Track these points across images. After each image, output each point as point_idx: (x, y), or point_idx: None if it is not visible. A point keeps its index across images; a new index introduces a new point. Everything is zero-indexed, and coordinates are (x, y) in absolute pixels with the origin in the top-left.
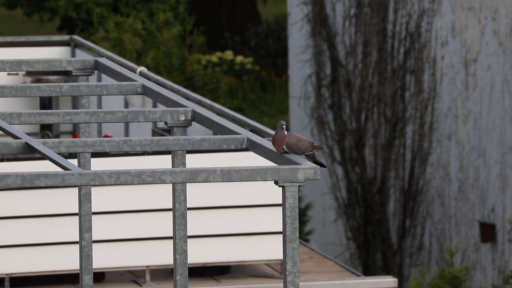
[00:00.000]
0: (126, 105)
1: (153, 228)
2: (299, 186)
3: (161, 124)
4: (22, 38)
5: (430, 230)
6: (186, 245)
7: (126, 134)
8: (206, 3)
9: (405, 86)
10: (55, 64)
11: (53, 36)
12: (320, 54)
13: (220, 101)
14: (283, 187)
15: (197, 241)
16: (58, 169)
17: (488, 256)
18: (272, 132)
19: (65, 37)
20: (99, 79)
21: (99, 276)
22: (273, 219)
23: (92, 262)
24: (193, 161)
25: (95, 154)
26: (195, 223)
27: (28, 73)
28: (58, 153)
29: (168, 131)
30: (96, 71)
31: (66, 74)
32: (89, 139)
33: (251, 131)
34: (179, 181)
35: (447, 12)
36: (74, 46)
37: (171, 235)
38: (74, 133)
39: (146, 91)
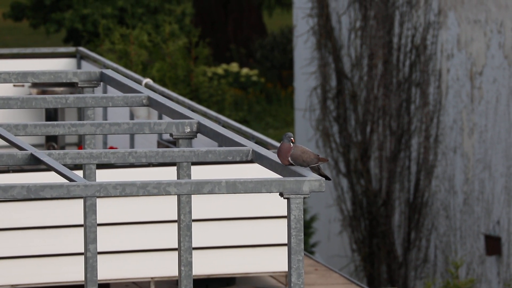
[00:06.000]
0: (132, 116)
1: (158, 240)
2: (304, 198)
3: (166, 136)
4: (28, 50)
5: (435, 242)
6: (191, 257)
7: (132, 145)
8: (212, 15)
9: (410, 98)
10: (61, 75)
11: (59, 47)
12: (326, 67)
13: (225, 113)
14: (288, 199)
15: (202, 253)
16: (63, 180)
17: (493, 269)
18: (277, 144)
19: (71, 49)
20: (105, 91)
21: None
22: (278, 231)
23: (97, 274)
24: (198, 173)
25: (101, 166)
26: (200, 234)
27: (34, 85)
28: (64, 165)
29: (174, 143)
30: (101, 83)
31: (72, 86)
32: (94, 151)
33: (256, 143)
34: (184, 193)
35: (453, 25)
36: (80, 57)
37: (176, 246)
38: (80, 144)
39: (151, 103)
